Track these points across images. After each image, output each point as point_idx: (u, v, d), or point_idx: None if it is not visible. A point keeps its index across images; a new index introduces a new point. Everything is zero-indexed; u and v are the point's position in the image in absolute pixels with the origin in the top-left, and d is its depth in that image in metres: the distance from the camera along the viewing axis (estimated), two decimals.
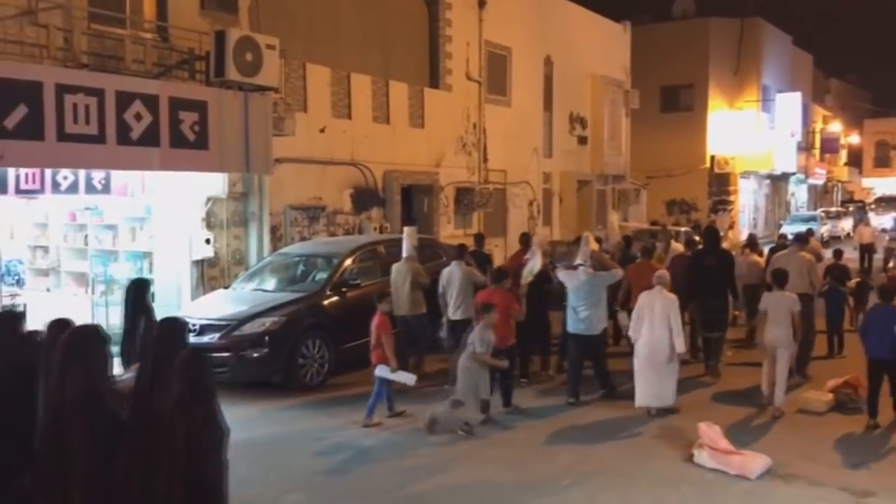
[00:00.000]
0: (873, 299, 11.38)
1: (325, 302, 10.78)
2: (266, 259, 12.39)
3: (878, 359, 8.55)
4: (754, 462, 7.33)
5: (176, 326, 5.36)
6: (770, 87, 36.45)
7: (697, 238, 15.83)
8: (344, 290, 10.99)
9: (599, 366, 9.90)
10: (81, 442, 4.67)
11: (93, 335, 4.98)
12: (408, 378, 9.00)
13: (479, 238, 13.80)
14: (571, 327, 9.66)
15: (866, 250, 22.57)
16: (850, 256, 17.14)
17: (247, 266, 12.72)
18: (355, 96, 15.64)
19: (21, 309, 5.97)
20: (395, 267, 11.04)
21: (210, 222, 12.40)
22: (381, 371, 8.86)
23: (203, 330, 9.90)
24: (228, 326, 9.96)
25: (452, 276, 10.66)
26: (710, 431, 7.64)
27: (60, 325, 5.24)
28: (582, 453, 7.92)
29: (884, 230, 25.90)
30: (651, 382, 9.02)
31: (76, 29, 10.42)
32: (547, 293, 10.77)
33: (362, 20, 16.38)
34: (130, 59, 10.96)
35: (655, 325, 8.95)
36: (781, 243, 15.47)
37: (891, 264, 19.03)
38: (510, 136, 20.55)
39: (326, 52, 15.33)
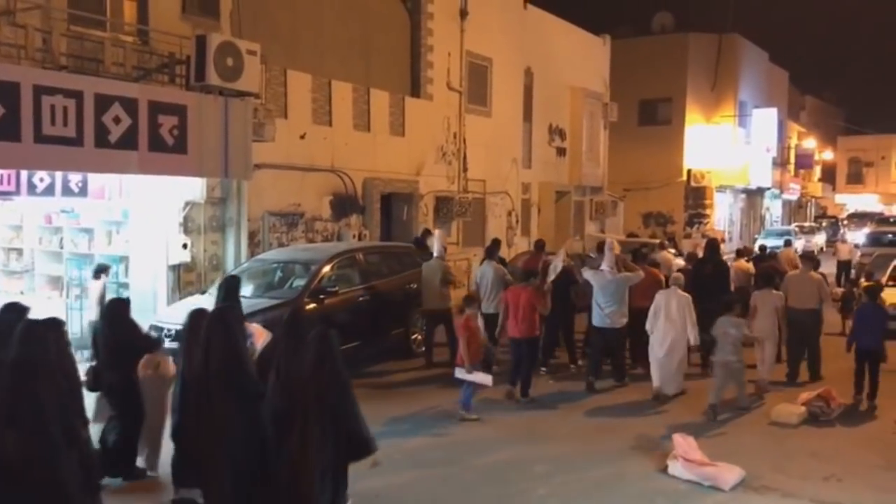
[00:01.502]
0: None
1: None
2: (243, 265, 12.32)
3: (865, 349, 10.03)
4: (728, 473, 7.40)
5: (301, 316, 6.94)
6: (747, 102, 36.88)
7: (674, 251, 16.44)
8: (322, 297, 10.95)
9: (617, 358, 11.05)
10: (227, 405, 5.92)
11: (230, 313, 6.44)
12: (484, 378, 9.31)
13: (496, 241, 14.48)
14: (597, 322, 10.83)
15: (844, 266, 22.94)
16: (828, 271, 17.43)
17: (224, 271, 12.63)
18: (336, 103, 15.63)
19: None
20: (426, 265, 12.23)
21: (187, 227, 12.32)
22: (458, 373, 9.36)
23: (178, 335, 9.80)
24: None
25: (485, 273, 11.94)
26: (685, 443, 7.70)
27: (200, 314, 6.62)
28: (558, 463, 7.95)
29: (856, 246, 26.24)
30: (666, 370, 10.26)
31: (55, 30, 10.33)
32: (572, 293, 11.76)
33: (344, 28, 16.39)
34: (110, 62, 10.87)
35: (671, 319, 10.13)
36: (761, 255, 16.62)
37: (862, 280, 19.28)
38: (490, 146, 20.64)
39: (308, 59, 15.32)
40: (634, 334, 11.12)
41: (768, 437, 8.95)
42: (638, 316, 10.70)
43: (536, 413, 9.75)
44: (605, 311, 10.61)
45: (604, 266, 10.73)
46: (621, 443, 8.63)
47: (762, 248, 17.97)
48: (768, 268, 13.07)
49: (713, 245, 13.00)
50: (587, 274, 11.06)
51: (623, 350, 11.17)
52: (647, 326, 10.43)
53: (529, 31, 22.43)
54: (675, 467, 7.57)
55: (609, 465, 7.96)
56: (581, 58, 25.50)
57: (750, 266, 14.43)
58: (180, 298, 11.72)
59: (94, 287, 10.72)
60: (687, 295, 10.31)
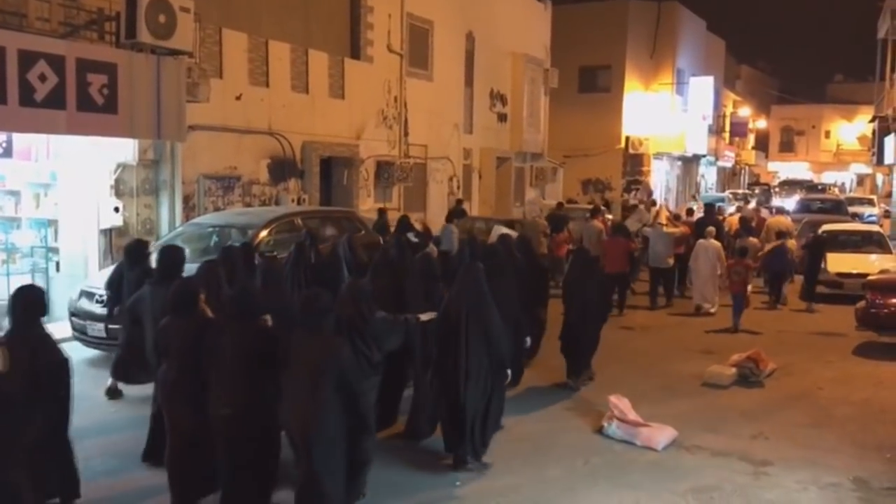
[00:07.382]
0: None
1: None
2: (178, 229, 12.05)
3: (773, 271, 15.16)
4: (661, 434, 7.58)
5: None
6: (684, 70, 37.32)
7: (610, 217, 17.87)
8: None
9: (668, 285, 15.00)
10: None
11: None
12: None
13: (560, 204, 20.44)
14: (652, 263, 14.97)
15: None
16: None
17: (158, 236, 12.36)
18: (273, 64, 15.29)
19: None
20: (529, 222, 16.98)
21: (119, 190, 12.00)
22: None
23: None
24: None
25: (591, 230, 15.45)
26: (620, 404, 7.86)
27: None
28: None
29: (787, 212, 27.07)
30: (700, 290, 14.36)
31: None
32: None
33: None
34: (34, 17, 10.41)
35: (705, 259, 14.16)
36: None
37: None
38: (431, 110, 20.49)
39: (244, 18, 14.93)
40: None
41: (700, 398, 9.20)
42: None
43: None
44: (660, 256, 14.64)
45: (659, 222, 15.71)
46: (557, 403, 8.77)
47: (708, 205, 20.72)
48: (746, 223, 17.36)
49: (711, 208, 18.11)
50: (646, 230, 15.74)
51: (672, 280, 15.18)
52: (690, 263, 14.56)
53: None
54: (610, 428, 7.73)
55: (545, 424, 8.08)
56: (522, 23, 25.42)
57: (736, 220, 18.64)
58: (113, 264, 11.41)
59: None
60: (717, 243, 14.30)
